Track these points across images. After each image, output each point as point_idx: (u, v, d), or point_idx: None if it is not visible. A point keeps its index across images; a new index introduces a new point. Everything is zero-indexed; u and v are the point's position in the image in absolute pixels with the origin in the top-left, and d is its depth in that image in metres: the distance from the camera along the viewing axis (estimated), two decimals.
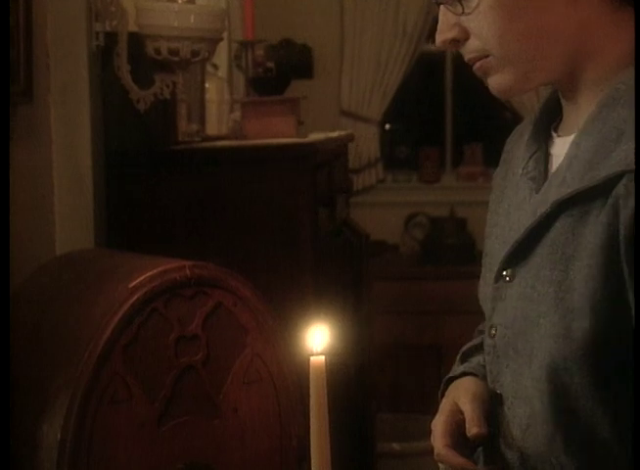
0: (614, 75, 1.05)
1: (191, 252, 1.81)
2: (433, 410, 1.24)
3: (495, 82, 1.08)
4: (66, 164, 2.07)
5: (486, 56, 1.06)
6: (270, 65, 2.88)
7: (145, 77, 2.24)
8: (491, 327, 1.11)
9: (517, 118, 4.55)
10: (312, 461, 0.93)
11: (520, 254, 1.07)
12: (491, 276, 1.12)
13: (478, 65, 1.07)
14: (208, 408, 1.63)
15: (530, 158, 1.11)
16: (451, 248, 4.32)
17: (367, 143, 4.56)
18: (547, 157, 1.11)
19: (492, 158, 4.68)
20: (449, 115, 4.78)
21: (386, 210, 4.57)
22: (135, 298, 1.55)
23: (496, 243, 1.15)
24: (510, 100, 4.46)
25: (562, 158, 1.07)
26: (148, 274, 1.57)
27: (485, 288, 1.16)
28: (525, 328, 1.05)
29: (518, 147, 1.17)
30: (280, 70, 2.96)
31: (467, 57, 1.08)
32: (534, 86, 1.10)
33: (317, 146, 2.45)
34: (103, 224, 2.20)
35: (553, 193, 1.04)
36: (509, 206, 1.14)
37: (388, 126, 4.84)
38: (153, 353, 1.57)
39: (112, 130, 2.25)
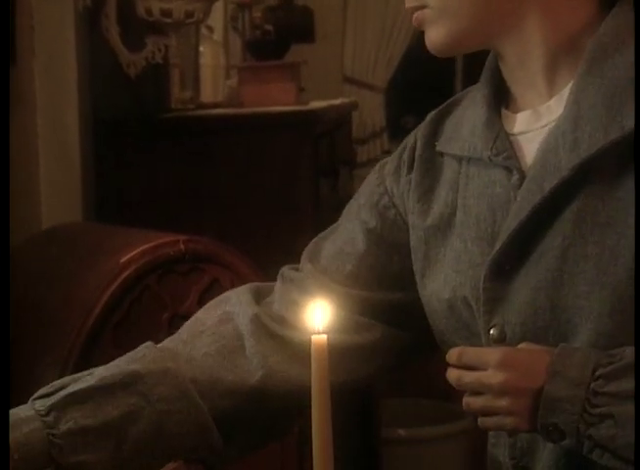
0: (579, 42, 1.02)
1: (185, 226, 1.81)
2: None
3: (429, 37, 1.05)
4: (51, 132, 2.07)
5: (424, 7, 1.04)
6: (269, 27, 2.87)
7: (135, 40, 2.23)
8: (490, 330, 1.03)
9: None
10: (314, 446, 0.93)
11: (524, 240, 1.01)
12: (475, 276, 1.04)
13: (415, 15, 1.05)
14: None
15: (497, 138, 1.06)
16: None
17: (372, 111, 4.55)
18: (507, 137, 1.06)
19: None
20: (459, 81, 4.77)
21: None
22: (126, 274, 1.55)
23: (459, 241, 1.07)
24: None
25: (531, 134, 1.04)
26: (140, 249, 1.58)
27: (461, 290, 1.07)
28: (556, 317, 0.99)
29: (455, 131, 1.11)
30: (279, 34, 2.95)
31: (407, 5, 1.06)
32: (474, 47, 1.09)
33: (319, 114, 2.44)
34: (91, 197, 2.20)
35: (565, 160, 0.99)
36: (464, 198, 1.07)
37: (393, 94, 4.83)
38: (145, 333, 1.56)
39: (100, 97, 2.24)
